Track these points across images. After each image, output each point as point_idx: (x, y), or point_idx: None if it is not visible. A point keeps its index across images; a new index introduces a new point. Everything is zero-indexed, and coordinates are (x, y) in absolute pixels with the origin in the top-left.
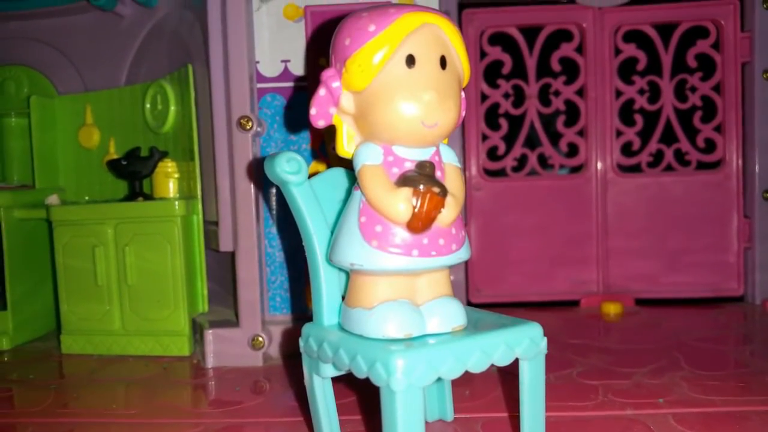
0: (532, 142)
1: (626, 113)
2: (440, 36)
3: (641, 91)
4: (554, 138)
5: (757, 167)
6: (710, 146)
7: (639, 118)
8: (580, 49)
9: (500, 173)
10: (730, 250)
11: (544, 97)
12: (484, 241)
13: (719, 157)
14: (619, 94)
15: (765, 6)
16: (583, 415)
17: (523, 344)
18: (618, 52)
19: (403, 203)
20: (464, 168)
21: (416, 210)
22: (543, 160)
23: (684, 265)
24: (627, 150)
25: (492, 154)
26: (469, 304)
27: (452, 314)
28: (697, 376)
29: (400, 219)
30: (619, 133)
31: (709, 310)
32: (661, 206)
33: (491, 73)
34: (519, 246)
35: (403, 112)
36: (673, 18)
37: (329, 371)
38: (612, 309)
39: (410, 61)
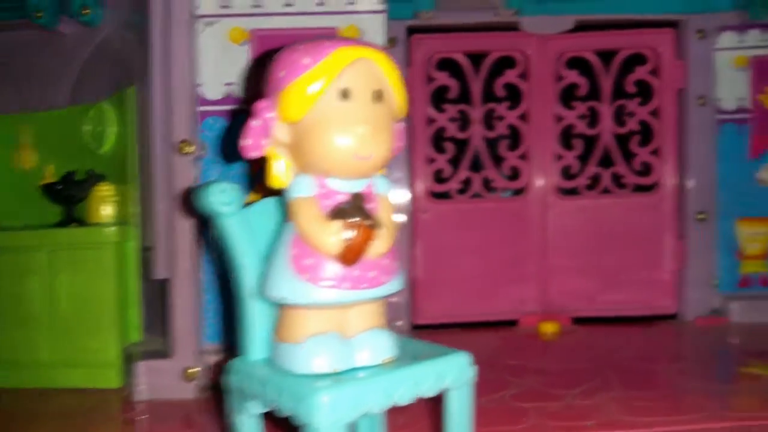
0: (476, 165)
1: (567, 137)
2: (375, 70)
3: (581, 116)
4: (498, 161)
5: (690, 190)
6: (646, 169)
7: (578, 143)
8: (524, 75)
9: (446, 195)
10: (664, 269)
11: (489, 121)
12: (429, 263)
13: (655, 180)
14: (560, 118)
15: (698, 36)
16: None
17: (452, 374)
18: (560, 78)
19: (334, 236)
20: (411, 190)
21: (348, 243)
22: (487, 183)
23: (620, 284)
24: (567, 173)
25: (438, 176)
26: (412, 325)
27: (382, 346)
28: (628, 397)
29: (331, 251)
30: (559, 157)
31: (644, 327)
32: (599, 227)
33: (438, 98)
34: (462, 267)
35: (337, 144)
36: (613, 45)
37: (257, 408)
38: (549, 328)
39: (344, 94)
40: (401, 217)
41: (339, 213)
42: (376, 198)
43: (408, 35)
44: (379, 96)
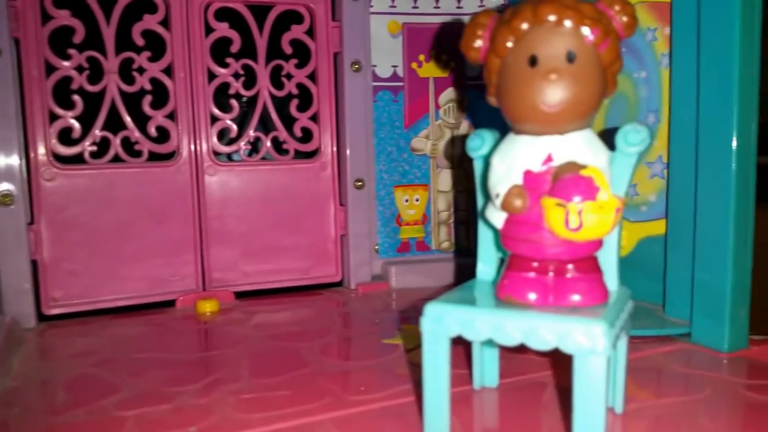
0: (114, 124)
1: (224, 98)
2: None
3: (236, 75)
4: (143, 120)
5: (348, 157)
6: (307, 135)
7: (236, 104)
8: (166, 23)
9: (78, 160)
10: (328, 237)
11: (127, 73)
12: (58, 241)
13: (316, 147)
14: (213, 76)
15: None
16: None
17: None
18: (210, 30)
19: None
20: (28, 152)
21: None
22: (129, 145)
23: (285, 255)
24: (224, 137)
25: (65, 137)
26: (40, 316)
27: None
28: (253, 387)
29: None
30: (215, 119)
31: (307, 298)
32: (261, 196)
33: (60, 42)
34: (104, 244)
35: None
36: None
37: None
38: (207, 307)
39: None
40: (10, 187)
41: None
42: None
43: None
44: None
